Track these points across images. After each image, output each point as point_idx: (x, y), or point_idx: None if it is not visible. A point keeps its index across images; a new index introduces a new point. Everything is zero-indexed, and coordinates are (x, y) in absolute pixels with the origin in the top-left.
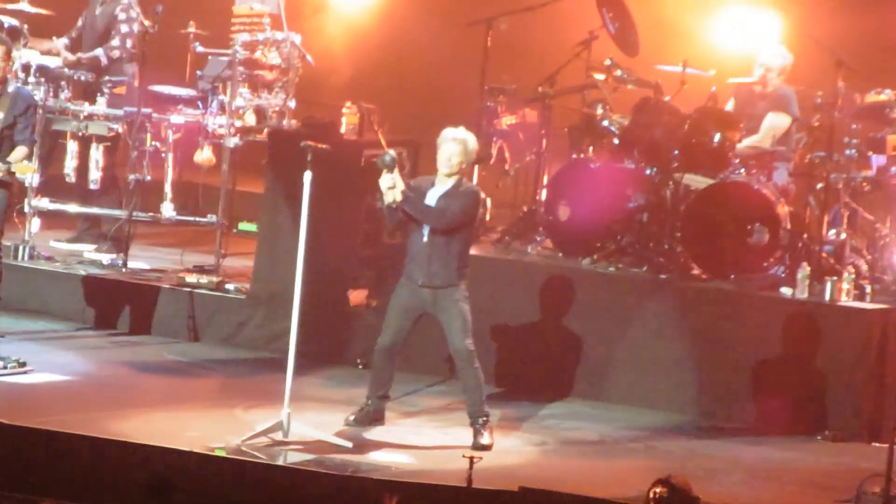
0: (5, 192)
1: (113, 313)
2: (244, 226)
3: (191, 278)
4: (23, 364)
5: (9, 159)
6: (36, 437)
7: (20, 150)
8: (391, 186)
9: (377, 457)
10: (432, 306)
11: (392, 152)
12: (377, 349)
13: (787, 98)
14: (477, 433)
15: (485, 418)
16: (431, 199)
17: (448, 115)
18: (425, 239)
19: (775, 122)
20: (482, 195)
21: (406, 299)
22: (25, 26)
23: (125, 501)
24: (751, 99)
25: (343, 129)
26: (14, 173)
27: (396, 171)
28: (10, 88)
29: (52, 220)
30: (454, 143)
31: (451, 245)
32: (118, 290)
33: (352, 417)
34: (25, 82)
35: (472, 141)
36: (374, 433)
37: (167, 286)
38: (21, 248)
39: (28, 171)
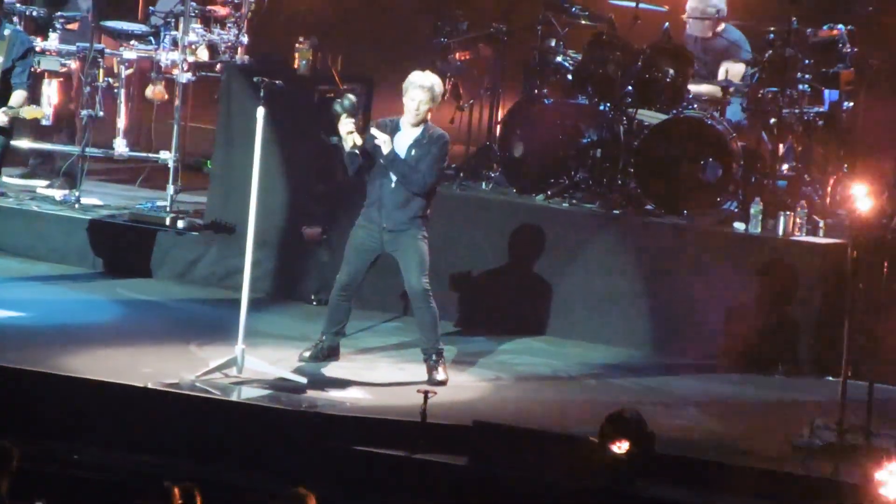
0: (4, 138)
1: (65, 249)
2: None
3: (143, 210)
4: None
5: (11, 104)
6: None
7: (19, 95)
8: (351, 131)
9: (332, 392)
10: (391, 245)
11: (351, 96)
12: (335, 286)
13: (739, 44)
14: (431, 369)
15: (439, 354)
16: (399, 145)
17: (402, 51)
18: (393, 186)
19: (732, 69)
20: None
21: (365, 240)
22: None
23: (78, 438)
24: (697, 45)
25: (296, 65)
26: (14, 118)
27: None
28: (7, 31)
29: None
30: (421, 91)
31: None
32: (70, 226)
33: (306, 354)
34: None
35: (438, 86)
36: (328, 369)
37: (120, 222)
38: None
39: (38, 115)
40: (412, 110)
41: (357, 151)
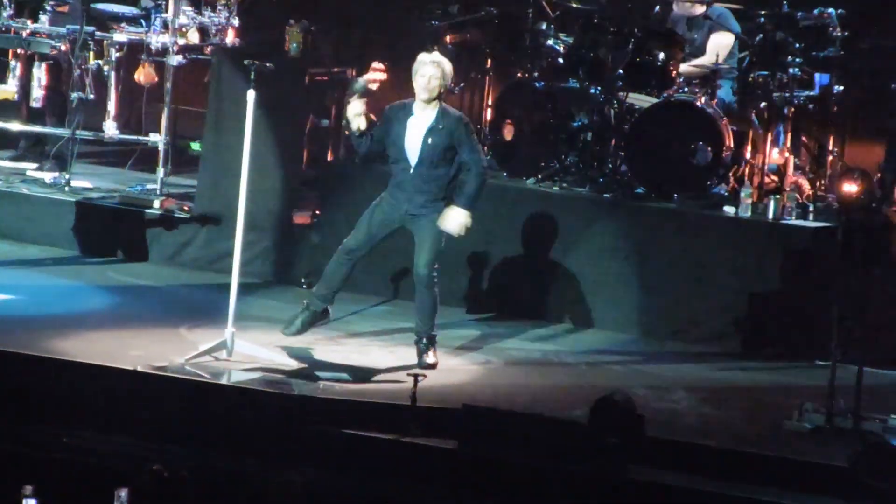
0: None
1: (54, 232)
2: (195, 145)
3: (133, 193)
4: None
5: None
6: None
7: None
8: (358, 113)
9: (322, 375)
10: (411, 223)
11: (363, 79)
12: (340, 248)
13: (725, 16)
14: (422, 352)
15: (430, 339)
16: (414, 131)
17: (393, 34)
18: (411, 171)
19: (720, 42)
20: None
21: (386, 213)
22: None
23: (67, 421)
24: (683, 27)
25: (287, 48)
26: None
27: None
28: None
29: None
30: (432, 66)
31: (437, 175)
32: (60, 209)
33: (291, 329)
34: None
35: (448, 65)
36: (319, 352)
37: (110, 205)
38: None
39: (9, 96)
40: (424, 86)
41: (359, 135)
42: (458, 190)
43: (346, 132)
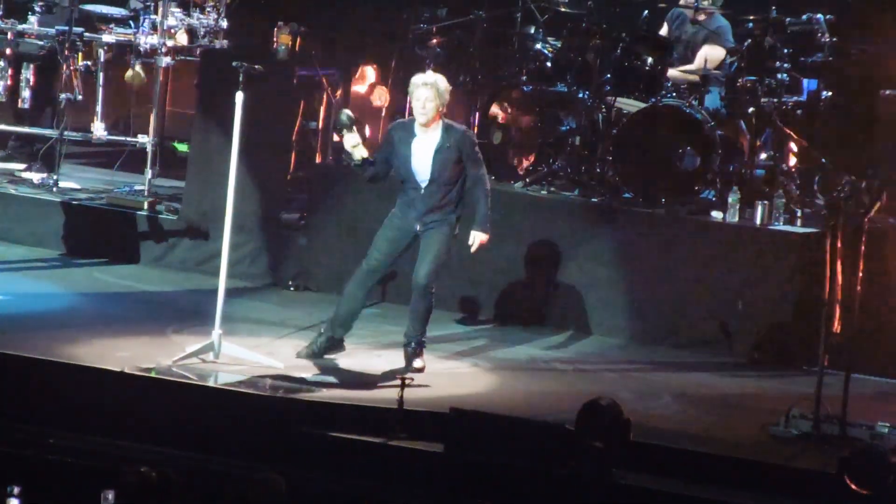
0: None
1: (42, 233)
2: (180, 146)
3: (121, 194)
4: None
5: None
6: None
7: None
8: (355, 144)
9: (309, 378)
10: (422, 235)
11: (348, 111)
12: (360, 271)
13: (723, 30)
14: (410, 356)
15: (419, 344)
16: (420, 153)
17: (381, 37)
18: (422, 191)
19: (711, 55)
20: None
21: (399, 228)
22: None
23: (53, 422)
24: (684, 26)
25: (275, 50)
26: None
27: (355, 129)
28: None
29: None
30: (425, 89)
31: (448, 190)
32: (48, 209)
33: (307, 352)
34: None
35: (442, 82)
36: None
37: (98, 206)
38: None
39: None
40: (419, 110)
41: (361, 163)
42: (472, 210)
43: (355, 169)
